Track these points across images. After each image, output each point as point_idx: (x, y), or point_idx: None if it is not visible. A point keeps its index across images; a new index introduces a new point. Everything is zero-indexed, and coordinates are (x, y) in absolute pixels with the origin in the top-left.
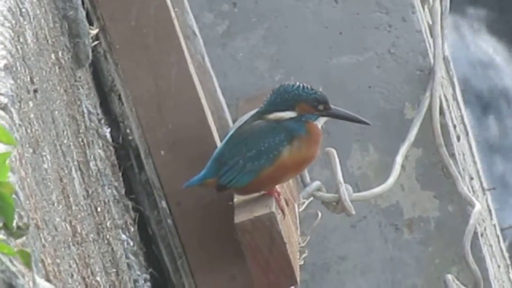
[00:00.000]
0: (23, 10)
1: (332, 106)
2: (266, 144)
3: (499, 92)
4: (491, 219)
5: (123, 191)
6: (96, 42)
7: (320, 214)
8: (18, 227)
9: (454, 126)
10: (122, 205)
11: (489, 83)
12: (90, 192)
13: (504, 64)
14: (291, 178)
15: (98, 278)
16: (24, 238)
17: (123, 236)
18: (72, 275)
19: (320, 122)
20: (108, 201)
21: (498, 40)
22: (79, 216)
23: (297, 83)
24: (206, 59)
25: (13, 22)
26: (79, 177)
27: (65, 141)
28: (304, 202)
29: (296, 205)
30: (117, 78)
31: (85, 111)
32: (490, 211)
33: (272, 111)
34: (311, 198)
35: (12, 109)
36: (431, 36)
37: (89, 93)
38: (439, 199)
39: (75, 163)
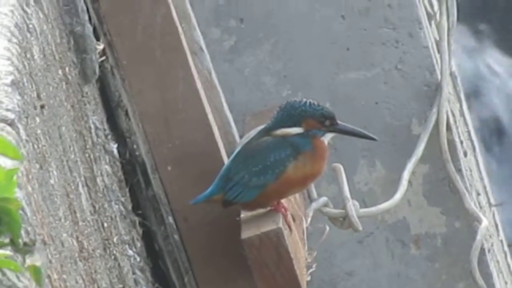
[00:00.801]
0: (30, 26)
1: (339, 121)
2: (272, 159)
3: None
4: (498, 235)
5: (130, 207)
6: (103, 58)
7: (328, 228)
8: (25, 244)
9: (461, 142)
10: (129, 220)
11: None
12: (97, 207)
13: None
14: (296, 193)
15: None
16: (34, 254)
17: (130, 252)
18: None
19: (327, 138)
20: (115, 216)
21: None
22: (86, 231)
23: (304, 99)
24: (213, 74)
25: (20, 38)
26: (86, 193)
27: (72, 157)
28: (310, 217)
29: (303, 221)
30: (124, 93)
31: (92, 126)
32: (497, 226)
33: (278, 128)
34: (311, 213)
35: (19, 125)
36: (438, 52)
37: (96, 108)
38: (446, 215)
39: (82, 178)
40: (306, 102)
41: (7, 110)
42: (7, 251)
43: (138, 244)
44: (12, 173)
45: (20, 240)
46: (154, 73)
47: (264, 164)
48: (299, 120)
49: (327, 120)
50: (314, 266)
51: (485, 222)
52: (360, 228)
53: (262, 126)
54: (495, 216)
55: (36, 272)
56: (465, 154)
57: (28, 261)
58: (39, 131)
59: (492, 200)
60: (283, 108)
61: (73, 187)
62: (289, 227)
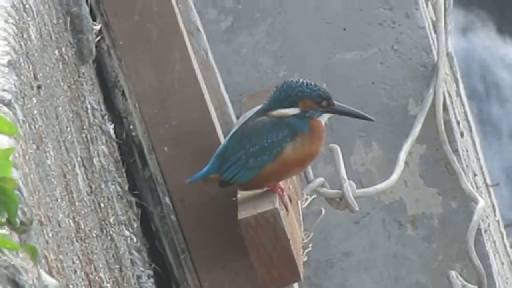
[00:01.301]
0: (27, 6)
1: (335, 102)
2: (269, 140)
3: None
4: (495, 215)
5: (126, 187)
6: (99, 38)
7: (323, 210)
8: (22, 223)
9: (458, 123)
10: (125, 201)
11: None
12: (93, 188)
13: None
14: (294, 174)
15: (101, 274)
16: (30, 233)
17: (127, 232)
18: (76, 271)
19: (324, 118)
20: (112, 197)
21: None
22: (83, 212)
23: (301, 80)
24: (210, 55)
25: (17, 18)
26: (82, 173)
27: (68, 137)
28: (307, 199)
29: (299, 202)
30: (120, 74)
31: (89, 107)
32: (493, 207)
33: (275, 108)
34: (314, 196)
35: (16, 105)
36: (435, 32)
37: (92, 89)
38: (442, 196)
39: (79, 159)
40: (303, 82)
41: (4, 90)
42: (4, 230)
43: (135, 225)
44: (8, 153)
45: (17, 220)
46: (150, 54)
47: (261, 145)
48: (296, 100)
49: (324, 100)
50: (310, 246)
51: (481, 203)
52: (357, 209)
53: (259, 107)
54: (492, 197)
55: (33, 250)
56: (462, 135)
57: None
58: (35, 112)
59: (488, 181)
60: (279, 89)
61: (69, 168)
62: (286, 207)
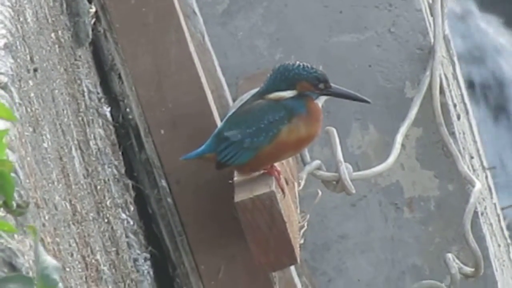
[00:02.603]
0: None
1: (332, 84)
2: (266, 121)
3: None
4: (491, 198)
5: (123, 170)
6: (95, 21)
7: (320, 192)
8: (18, 205)
9: (454, 105)
10: (122, 184)
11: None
12: (90, 171)
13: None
14: (291, 156)
15: (98, 257)
16: (27, 216)
17: (123, 215)
18: (72, 254)
19: (321, 100)
20: (108, 180)
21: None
22: (79, 195)
23: (297, 62)
24: (206, 38)
25: (13, 1)
26: (79, 156)
27: (65, 120)
28: (303, 181)
29: (296, 184)
30: (117, 57)
31: (85, 90)
32: (490, 190)
33: (272, 91)
34: (305, 176)
35: (12, 88)
36: (431, 15)
37: (89, 72)
38: (439, 178)
39: (75, 142)
40: (299, 64)
41: (0, 73)
42: (0, 213)
43: (131, 208)
44: (1, 135)
45: (13, 202)
46: (147, 37)
47: (258, 126)
48: (293, 82)
49: (321, 83)
50: (305, 225)
51: (478, 185)
52: (353, 191)
53: (255, 90)
54: (488, 179)
55: (35, 232)
56: (458, 117)
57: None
58: (32, 95)
59: (485, 163)
60: (276, 71)
61: (66, 151)
62: (282, 190)
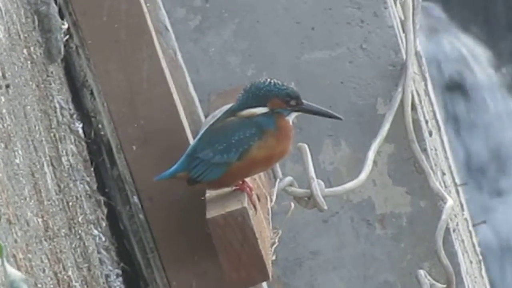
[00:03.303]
0: None
1: (304, 101)
2: (236, 137)
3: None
4: (463, 214)
5: (95, 186)
6: (67, 37)
7: (293, 205)
8: None
9: (426, 122)
10: (94, 200)
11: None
12: (62, 187)
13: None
14: (261, 171)
15: (70, 273)
16: None
17: (95, 231)
18: (44, 270)
19: (292, 117)
20: (80, 196)
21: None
22: (51, 211)
23: (268, 80)
24: (178, 54)
25: None
26: (51, 172)
27: (37, 136)
28: (275, 197)
29: (268, 201)
30: (89, 73)
31: (57, 106)
32: (462, 206)
33: (244, 108)
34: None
35: None
36: (403, 31)
37: (61, 88)
38: (411, 195)
39: (47, 158)
40: (270, 82)
41: None
42: None
43: (103, 224)
44: None
45: None
46: (119, 53)
47: (228, 142)
48: (264, 100)
49: (292, 99)
50: (276, 240)
51: (450, 202)
52: (325, 208)
53: (227, 106)
54: (460, 196)
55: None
56: (430, 134)
57: None
58: (4, 111)
59: (457, 180)
60: (247, 90)
61: (38, 167)
62: (254, 206)
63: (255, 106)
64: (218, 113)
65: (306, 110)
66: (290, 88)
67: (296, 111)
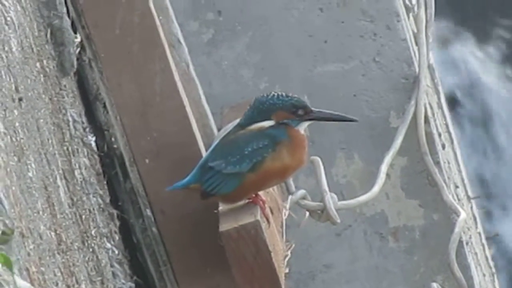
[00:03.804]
0: (8, 18)
1: (314, 109)
2: (250, 149)
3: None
4: (476, 227)
5: (108, 200)
6: (80, 50)
7: (307, 214)
8: (3, 233)
9: (439, 134)
10: (107, 213)
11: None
12: (75, 200)
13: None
14: (276, 184)
15: (83, 287)
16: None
17: (108, 245)
18: (57, 284)
19: (302, 126)
20: (93, 209)
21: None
22: (64, 224)
23: (272, 93)
24: (191, 67)
25: None
26: (64, 186)
27: (50, 150)
28: (287, 211)
29: (281, 214)
30: (102, 86)
31: (70, 119)
32: (475, 219)
33: (250, 124)
34: (289, 206)
35: None
36: (416, 44)
37: (74, 101)
38: (424, 208)
39: (60, 171)
40: (274, 95)
41: None
42: None
43: (116, 237)
44: None
45: None
46: (132, 66)
47: (241, 154)
48: (268, 113)
49: (300, 109)
50: (289, 253)
51: (463, 215)
52: (338, 221)
53: (239, 119)
54: (473, 209)
55: (5, 259)
56: (443, 147)
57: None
58: (17, 124)
59: (470, 193)
60: (252, 106)
61: (51, 180)
62: (267, 219)
63: (260, 121)
64: (230, 126)
65: (317, 117)
66: (295, 98)
67: (306, 120)
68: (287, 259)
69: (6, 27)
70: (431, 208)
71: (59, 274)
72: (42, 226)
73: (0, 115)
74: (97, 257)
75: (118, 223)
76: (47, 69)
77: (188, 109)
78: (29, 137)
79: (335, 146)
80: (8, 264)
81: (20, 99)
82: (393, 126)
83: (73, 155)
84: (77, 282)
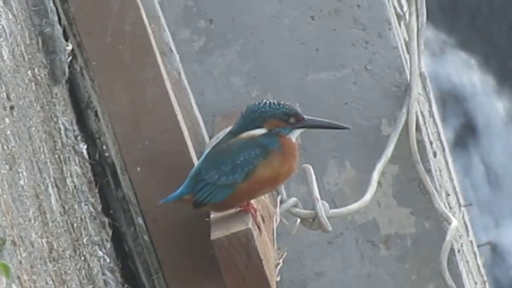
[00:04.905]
0: (0, 27)
1: (306, 117)
2: (241, 158)
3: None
4: (468, 235)
5: (99, 208)
6: (72, 59)
7: (298, 220)
8: None
9: (431, 142)
10: (98, 221)
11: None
12: (66, 208)
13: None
14: (268, 192)
15: None
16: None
17: (100, 253)
18: None
19: (294, 134)
20: (85, 217)
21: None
22: (56, 232)
23: (264, 101)
24: (183, 75)
25: None
26: (55, 194)
27: (41, 158)
28: (278, 218)
29: (272, 222)
30: (93, 94)
31: (62, 127)
32: (466, 227)
33: (242, 132)
34: (280, 214)
35: None
36: (408, 52)
37: (65, 109)
38: (415, 216)
39: (52, 179)
40: (266, 103)
41: None
42: None
43: (108, 245)
44: None
45: None
46: (123, 74)
47: (234, 163)
48: (260, 122)
49: (291, 117)
50: (281, 261)
51: (454, 223)
52: (330, 229)
53: (231, 127)
54: (465, 217)
55: (5, 268)
56: (435, 155)
57: None
58: (8, 132)
59: (461, 201)
60: (244, 114)
61: (42, 188)
62: (259, 227)
63: (252, 129)
64: (222, 134)
65: (309, 125)
66: (287, 106)
67: (298, 127)
68: (278, 267)
69: None
70: (422, 216)
71: (50, 282)
72: (33, 234)
73: None
74: (88, 265)
75: (110, 231)
76: (39, 77)
77: (180, 117)
78: (21, 145)
79: (327, 154)
80: (7, 274)
81: (12, 107)
82: (385, 134)
83: (65, 163)
84: None
